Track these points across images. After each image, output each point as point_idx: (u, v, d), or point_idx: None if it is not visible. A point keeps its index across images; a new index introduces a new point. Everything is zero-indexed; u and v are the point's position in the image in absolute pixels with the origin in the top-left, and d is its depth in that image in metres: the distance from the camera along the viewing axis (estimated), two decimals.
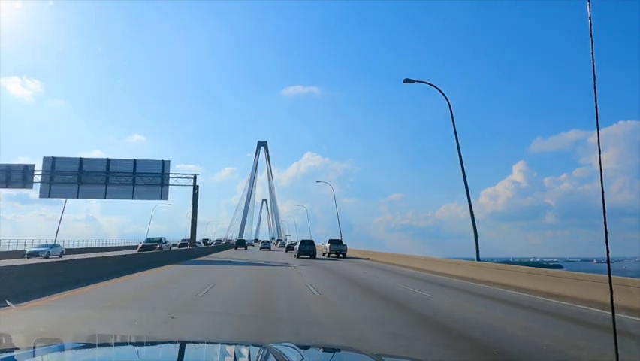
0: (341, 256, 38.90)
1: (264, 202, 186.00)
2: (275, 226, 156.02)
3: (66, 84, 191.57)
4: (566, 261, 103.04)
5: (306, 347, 2.74)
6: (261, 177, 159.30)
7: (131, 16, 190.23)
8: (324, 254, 41.61)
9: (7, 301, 7.92)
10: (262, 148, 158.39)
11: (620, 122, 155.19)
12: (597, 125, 2.37)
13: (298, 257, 36.53)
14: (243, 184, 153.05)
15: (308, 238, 42.32)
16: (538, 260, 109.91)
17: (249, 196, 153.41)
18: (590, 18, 1.79)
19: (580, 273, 14.27)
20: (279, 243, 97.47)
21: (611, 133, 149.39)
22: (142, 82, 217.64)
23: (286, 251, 54.42)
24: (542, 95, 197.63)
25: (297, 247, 39.60)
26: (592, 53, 1.88)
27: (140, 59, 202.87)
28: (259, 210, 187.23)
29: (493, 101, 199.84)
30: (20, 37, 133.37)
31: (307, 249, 37.44)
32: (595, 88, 1.97)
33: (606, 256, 2.52)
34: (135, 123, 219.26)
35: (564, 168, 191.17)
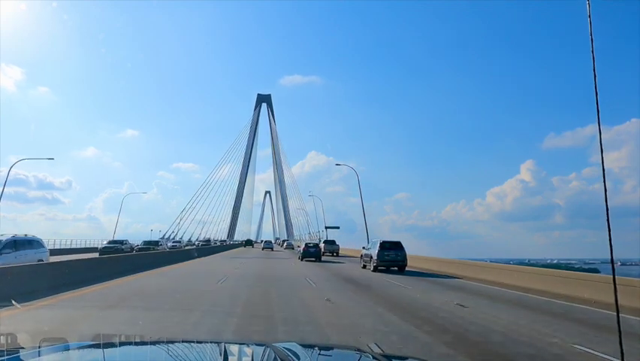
0: (334, 254, 42.78)
1: (268, 195, 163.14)
2: (284, 221, 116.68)
3: (52, 74, 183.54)
4: (586, 263, 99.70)
5: (309, 346, 2.75)
6: (264, 174, 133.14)
7: (123, 5, 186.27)
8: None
9: (13, 301, 8.02)
10: (264, 105, 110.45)
11: (633, 120, 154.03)
12: (599, 124, 2.38)
13: (376, 270, 22.80)
14: (234, 178, 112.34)
15: (390, 240, 24.10)
16: (555, 262, 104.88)
17: (242, 183, 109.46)
18: (589, 16, 1.80)
19: None
20: (284, 243, 79.42)
21: (623, 131, 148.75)
22: (134, 74, 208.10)
23: (302, 259, 33.03)
24: (556, 90, 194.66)
25: (374, 252, 23.39)
26: (592, 51, 1.89)
27: (132, 50, 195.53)
28: (261, 208, 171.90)
29: (503, 97, 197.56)
30: (3, 25, 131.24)
31: (393, 257, 22.85)
32: (596, 88, 1.98)
33: (610, 256, 2.53)
34: (127, 117, 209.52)
35: (577, 166, 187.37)
